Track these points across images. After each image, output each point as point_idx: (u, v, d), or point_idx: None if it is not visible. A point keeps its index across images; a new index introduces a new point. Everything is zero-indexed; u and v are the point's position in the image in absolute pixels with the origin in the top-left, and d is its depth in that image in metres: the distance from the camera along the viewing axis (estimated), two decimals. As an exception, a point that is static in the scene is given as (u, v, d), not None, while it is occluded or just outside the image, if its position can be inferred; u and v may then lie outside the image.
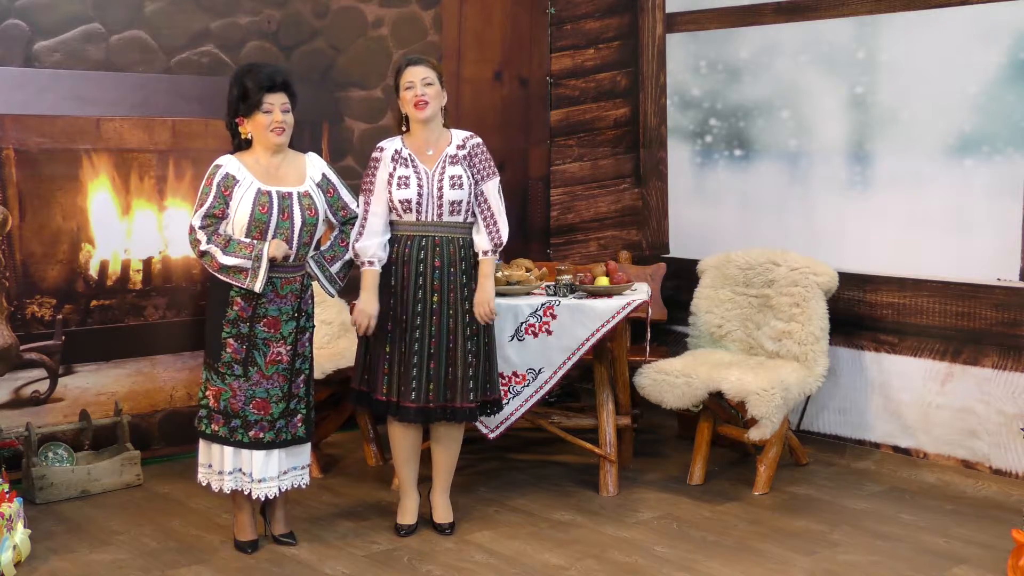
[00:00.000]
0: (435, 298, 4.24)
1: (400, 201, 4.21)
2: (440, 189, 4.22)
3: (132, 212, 5.27)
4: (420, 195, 4.21)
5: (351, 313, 4.82)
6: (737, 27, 5.77)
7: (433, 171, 4.24)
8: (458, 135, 4.33)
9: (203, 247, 4.00)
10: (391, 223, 4.28)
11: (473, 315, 4.27)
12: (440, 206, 4.23)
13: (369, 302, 4.24)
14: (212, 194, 4.01)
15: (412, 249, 4.24)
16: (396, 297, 4.25)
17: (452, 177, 4.24)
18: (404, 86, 4.23)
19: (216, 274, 4.02)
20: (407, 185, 4.21)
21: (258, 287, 3.99)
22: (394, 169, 4.23)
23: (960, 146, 5.00)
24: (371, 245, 4.23)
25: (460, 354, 4.26)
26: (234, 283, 4.00)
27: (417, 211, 4.22)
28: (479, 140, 4.36)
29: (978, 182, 4.96)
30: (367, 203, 4.26)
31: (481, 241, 4.29)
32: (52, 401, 5.09)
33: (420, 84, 4.19)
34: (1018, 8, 4.78)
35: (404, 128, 4.33)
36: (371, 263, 4.23)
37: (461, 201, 4.25)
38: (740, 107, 5.81)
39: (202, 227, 4.01)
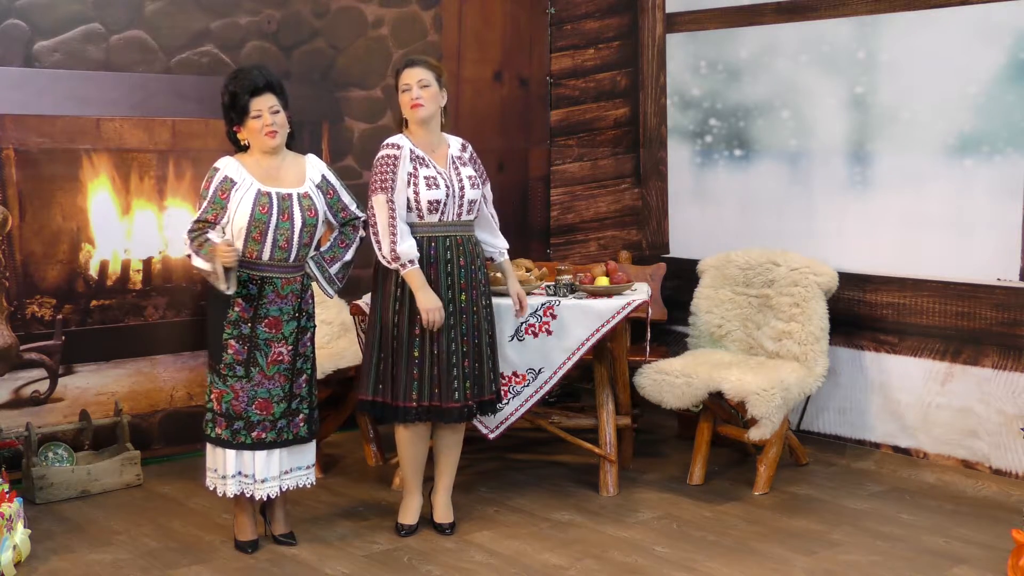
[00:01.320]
0: (463, 296, 4.24)
1: (429, 202, 4.16)
2: (462, 189, 4.23)
3: (132, 212, 5.28)
4: (448, 196, 4.20)
5: (351, 313, 4.83)
6: (737, 27, 5.77)
7: (448, 171, 4.24)
8: (454, 140, 4.37)
9: (187, 250, 4.02)
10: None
11: (489, 311, 4.34)
12: (461, 206, 4.24)
13: (432, 298, 4.12)
14: (207, 199, 4.02)
15: (438, 249, 4.21)
16: None
17: (470, 177, 4.29)
18: (401, 88, 4.22)
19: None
20: (436, 185, 4.17)
21: (226, 289, 3.92)
22: (415, 169, 4.17)
23: (960, 146, 5.00)
24: (411, 245, 4.12)
25: (484, 348, 4.31)
26: (215, 288, 3.96)
27: (442, 212, 4.20)
28: (470, 145, 4.46)
29: (978, 182, 4.96)
30: (391, 202, 4.12)
31: (498, 241, 4.47)
32: (52, 401, 5.09)
33: (416, 86, 4.17)
34: (1018, 8, 4.78)
35: (404, 127, 4.31)
36: (412, 262, 4.12)
37: (476, 201, 4.30)
38: (740, 107, 5.81)
39: (190, 231, 4.01)
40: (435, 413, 4.24)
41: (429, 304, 4.13)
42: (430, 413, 4.23)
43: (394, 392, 4.23)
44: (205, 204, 4.02)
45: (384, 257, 4.15)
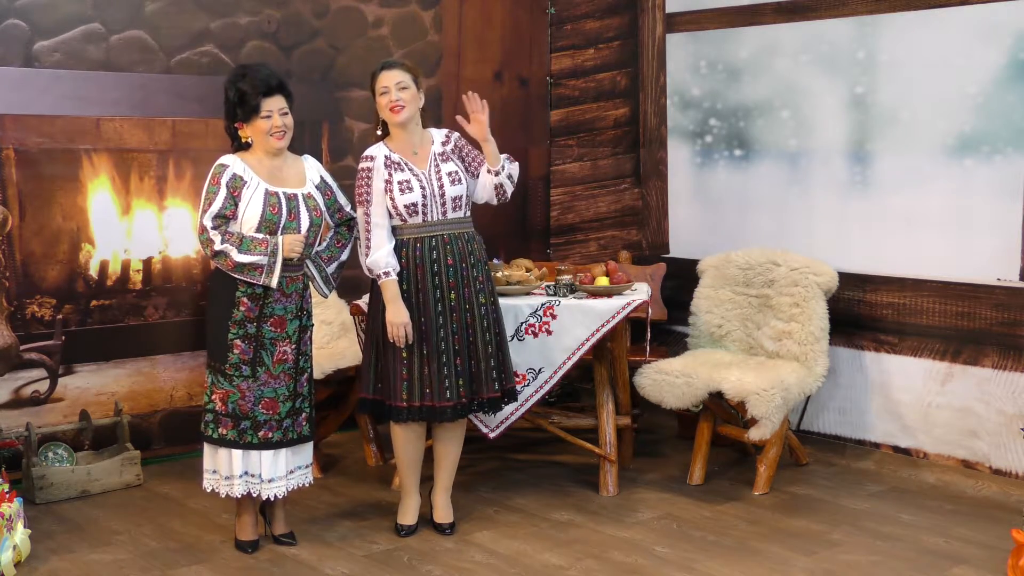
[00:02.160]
0: (452, 295, 4.24)
1: (406, 206, 4.18)
2: (441, 187, 4.23)
3: (132, 212, 5.28)
4: (424, 197, 4.21)
5: (351, 313, 4.83)
6: (737, 27, 5.77)
7: (428, 171, 4.24)
8: (438, 134, 4.36)
9: (217, 247, 3.97)
10: (393, 228, 4.24)
11: (488, 307, 4.31)
12: (443, 204, 4.24)
13: (399, 312, 4.17)
14: (221, 194, 3.99)
15: (423, 251, 4.22)
16: (411, 301, 4.21)
17: (450, 174, 4.26)
18: (379, 91, 4.21)
19: (231, 272, 4.00)
20: (410, 189, 4.19)
21: (274, 282, 4.00)
22: (390, 176, 4.20)
23: (960, 146, 5.00)
24: (382, 256, 4.17)
25: (480, 346, 4.29)
26: (248, 280, 4.00)
27: (423, 213, 4.21)
28: (458, 134, 4.38)
29: (978, 182, 4.95)
30: (367, 215, 4.19)
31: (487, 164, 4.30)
32: (52, 401, 5.09)
33: (395, 89, 4.17)
34: (1018, 8, 4.78)
35: (382, 133, 4.31)
36: (387, 273, 4.17)
37: (461, 196, 4.28)
38: (740, 107, 5.81)
39: (214, 227, 3.99)
40: (428, 413, 4.25)
41: (393, 318, 4.17)
42: (423, 413, 4.24)
43: (386, 391, 4.26)
44: (220, 199, 3.99)
45: (365, 268, 4.23)
